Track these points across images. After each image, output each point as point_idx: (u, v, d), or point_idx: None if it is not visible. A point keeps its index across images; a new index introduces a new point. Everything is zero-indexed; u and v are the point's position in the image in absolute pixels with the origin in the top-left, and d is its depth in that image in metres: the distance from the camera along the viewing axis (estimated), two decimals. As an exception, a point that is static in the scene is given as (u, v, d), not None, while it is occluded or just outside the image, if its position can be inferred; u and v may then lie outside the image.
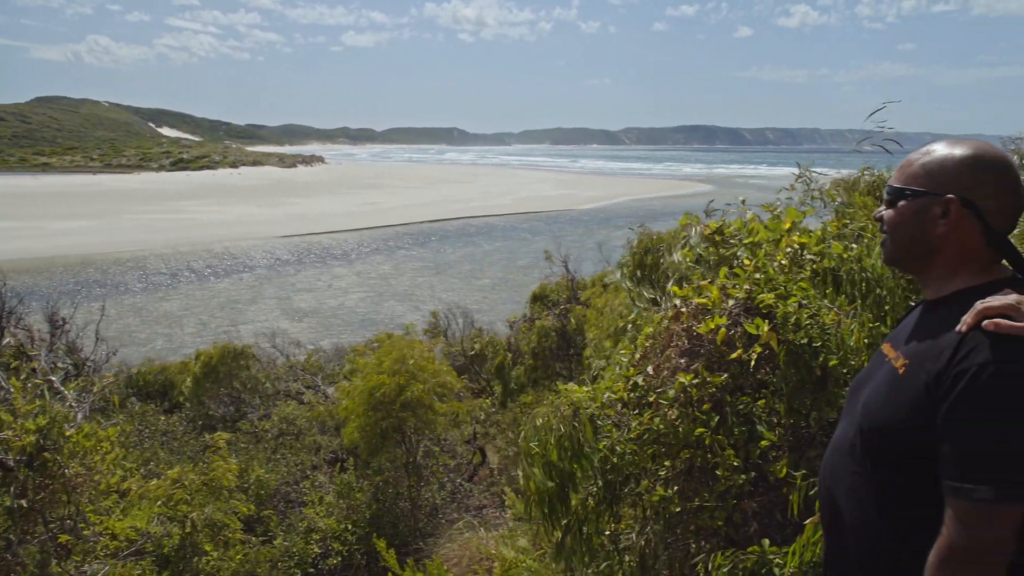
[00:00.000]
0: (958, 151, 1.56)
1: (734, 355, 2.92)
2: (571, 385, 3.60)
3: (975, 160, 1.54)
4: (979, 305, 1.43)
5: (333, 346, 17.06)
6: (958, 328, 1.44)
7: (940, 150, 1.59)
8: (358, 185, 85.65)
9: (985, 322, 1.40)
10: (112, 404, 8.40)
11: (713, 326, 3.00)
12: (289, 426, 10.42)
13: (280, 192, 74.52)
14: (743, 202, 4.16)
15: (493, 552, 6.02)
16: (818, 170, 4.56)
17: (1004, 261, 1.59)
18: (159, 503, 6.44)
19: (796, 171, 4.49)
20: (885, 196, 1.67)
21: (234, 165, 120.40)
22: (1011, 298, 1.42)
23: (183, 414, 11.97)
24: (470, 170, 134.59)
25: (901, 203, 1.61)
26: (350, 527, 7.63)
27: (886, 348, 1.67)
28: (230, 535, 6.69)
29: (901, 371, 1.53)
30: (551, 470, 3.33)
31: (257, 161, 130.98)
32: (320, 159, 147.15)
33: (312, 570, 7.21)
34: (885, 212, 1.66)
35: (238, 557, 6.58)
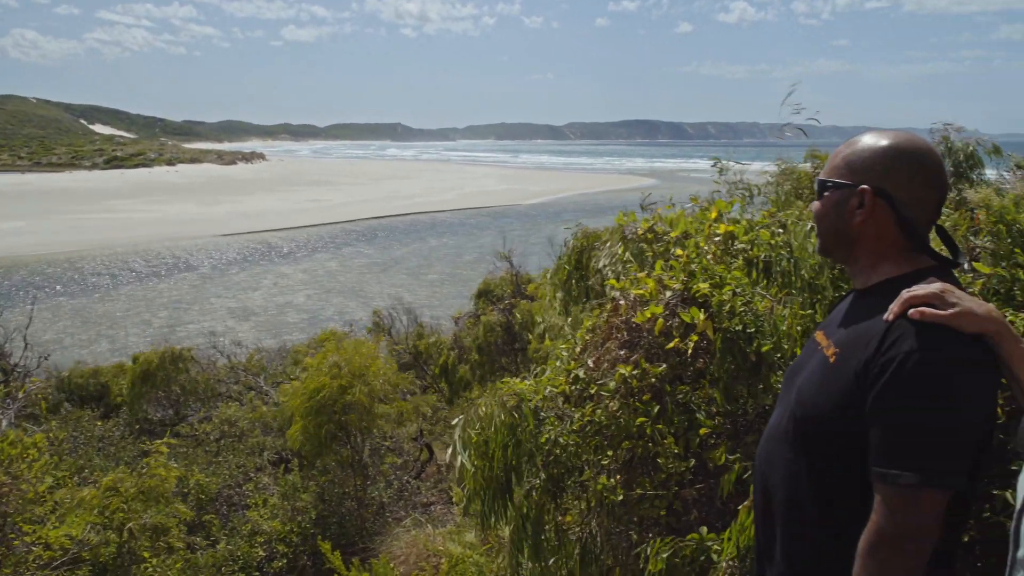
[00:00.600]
0: (877, 142, 1.59)
1: (671, 344, 2.94)
2: (514, 379, 3.61)
3: (892, 151, 1.57)
4: (905, 294, 1.46)
5: (277, 346, 16.78)
6: (885, 317, 1.47)
7: (862, 142, 1.62)
8: (301, 182, 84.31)
9: (910, 311, 1.43)
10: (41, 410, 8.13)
11: (649, 315, 3.02)
12: (231, 428, 10.21)
13: (220, 190, 72.91)
14: (671, 199, 4.23)
15: (440, 549, 6.01)
16: (752, 163, 4.66)
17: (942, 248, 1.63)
18: (95, 511, 6.27)
19: (733, 164, 4.58)
20: (815, 188, 1.71)
21: (171, 163, 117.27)
22: (935, 286, 1.46)
23: (120, 419, 11.64)
24: (415, 166, 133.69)
25: (825, 194, 1.65)
26: (295, 529, 7.51)
27: (819, 336, 1.69)
28: (172, 541, 6.55)
29: (832, 360, 1.56)
30: (492, 462, 3.33)
31: (195, 158, 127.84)
32: (261, 156, 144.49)
33: (257, 573, 7.08)
34: (815, 204, 1.70)
35: (179, 564, 6.43)
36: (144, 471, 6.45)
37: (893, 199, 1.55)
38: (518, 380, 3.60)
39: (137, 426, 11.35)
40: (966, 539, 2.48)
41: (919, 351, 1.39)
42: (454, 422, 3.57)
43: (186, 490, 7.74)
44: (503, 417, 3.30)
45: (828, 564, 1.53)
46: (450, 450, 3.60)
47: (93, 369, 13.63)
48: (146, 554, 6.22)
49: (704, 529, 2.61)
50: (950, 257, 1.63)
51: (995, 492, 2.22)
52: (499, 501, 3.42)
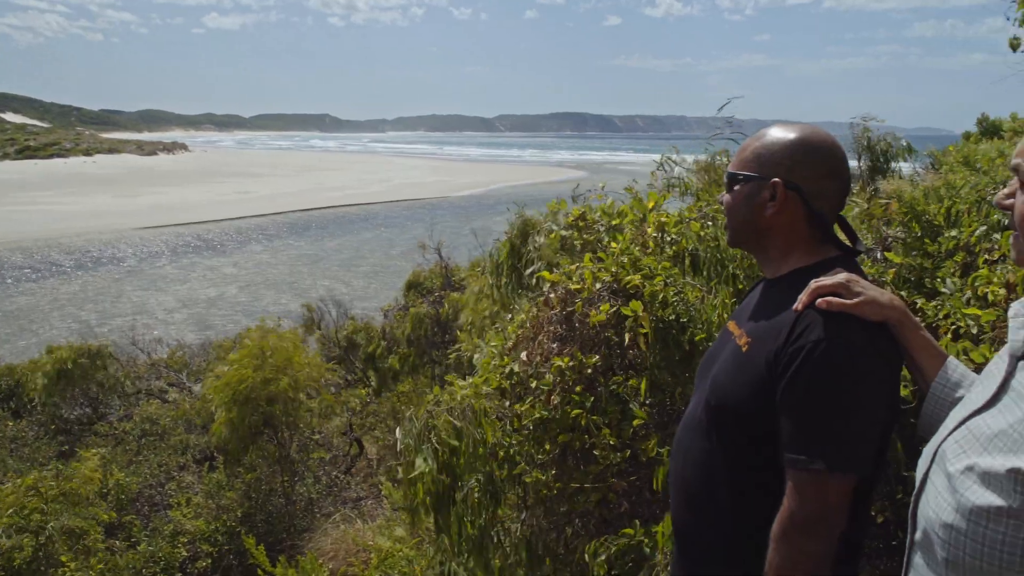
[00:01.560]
0: (785, 136, 1.62)
1: (609, 333, 2.96)
2: (457, 380, 3.57)
3: (800, 145, 1.60)
4: (813, 284, 1.50)
5: (201, 341, 16.33)
6: (794, 307, 1.50)
7: (770, 135, 1.65)
8: (227, 173, 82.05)
9: (818, 300, 1.47)
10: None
11: (580, 307, 3.04)
12: (152, 426, 9.90)
13: (141, 181, 70.37)
14: (603, 187, 4.26)
15: (370, 543, 5.95)
16: (683, 156, 4.74)
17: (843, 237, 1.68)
18: (10, 511, 6.02)
19: (659, 157, 4.65)
20: (725, 181, 1.73)
21: (88, 153, 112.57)
22: (841, 277, 1.50)
23: (34, 418, 11.17)
24: (344, 157, 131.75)
25: (736, 188, 1.67)
26: (220, 528, 7.33)
27: (731, 326, 1.72)
28: (90, 543, 6.33)
29: (745, 349, 1.58)
30: (439, 466, 3.29)
31: (113, 148, 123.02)
32: (183, 146, 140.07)
33: (180, 574, 6.89)
34: (725, 197, 1.72)
35: (99, 566, 6.22)
36: (68, 472, 6.23)
37: (803, 191, 1.59)
38: (459, 382, 3.57)
39: (53, 426, 10.91)
40: (880, 520, 2.58)
41: (826, 340, 1.42)
42: (397, 432, 3.50)
43: (105, 491, 7.48)
44: (450, 421, 3.26)
45: (743, 551, 1.55)
46: (399, 447, 3.54)
47: (7, 366, 13.02)
48: (64, 557, 6.00)
49: (637, 522, 2.64)
50: (851, 246, 1.68)
51: (905, 474, 2.31)
52: (445, 505, 3.38)
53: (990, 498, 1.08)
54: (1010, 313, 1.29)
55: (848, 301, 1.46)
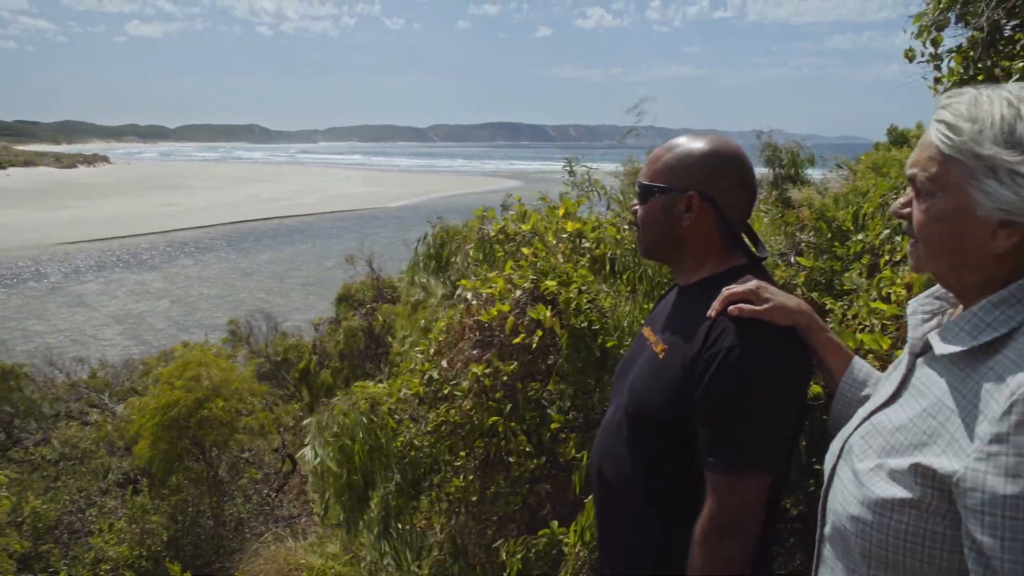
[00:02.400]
0: (697, 147, 1.65)
1: (517, 340, 2.97)
2: (368, 382, 3.55)
3: (712, 156, 1.63)
4: (725, 292, 1.54)
5: (125, 359, 15.78)
6: (708, 314, 1.54)
7: (681, 147, 1.67)
8: (152, 186, 79.76)
9: (730, 307, 1.51)
10: None
11: (496, 313, 3.04)
12: (72, 450, 9.51)
13: (60, 195, 67.85)
14: (519, 200, 4.29)
15: (301, 562, 5.83)
16: (606, 164, 4.81)
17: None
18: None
19: (594, 166, 4.71)
20: (637, 191, 1.74)
21: (0, 166, 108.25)
22: (752, 284, 1.54)
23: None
24: (275, 168, 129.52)
25: (651, 199, 1.69)
26: (144, 553, 7.09)
27: (647, 332, 1.74)
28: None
29: (661, 356, 1.61)
30: (351, 465, 3.26)
31: (29, 161, 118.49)
32: (104, 159, 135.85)
33: (102, 603, 6.64)
34: (638, 207, 1.74)
35: (12, 599, 5.95)
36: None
37: (717, 202, 1.62)
38: (372, 383, 3.54)
39: (-38, 452, 10.38)
40: (795, 513, 2.64)
41: (739, 346, 1.46)
42: (305, 422, 3.46)
43: (20, 519, 7.15)
44: (361, 420, 3.24)
45: (665, 554, 1.58)
46: (307, 451, 3.50)
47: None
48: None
49: (555, 523, 2.65)
50: (758, 253, 1.73)
51: (817, 467, 2.36)
52: (357, 505, 3.35)
53: (894, 490, 1.12)
54: (908, 311, 1.33)
55: (758, 307, 1.50)
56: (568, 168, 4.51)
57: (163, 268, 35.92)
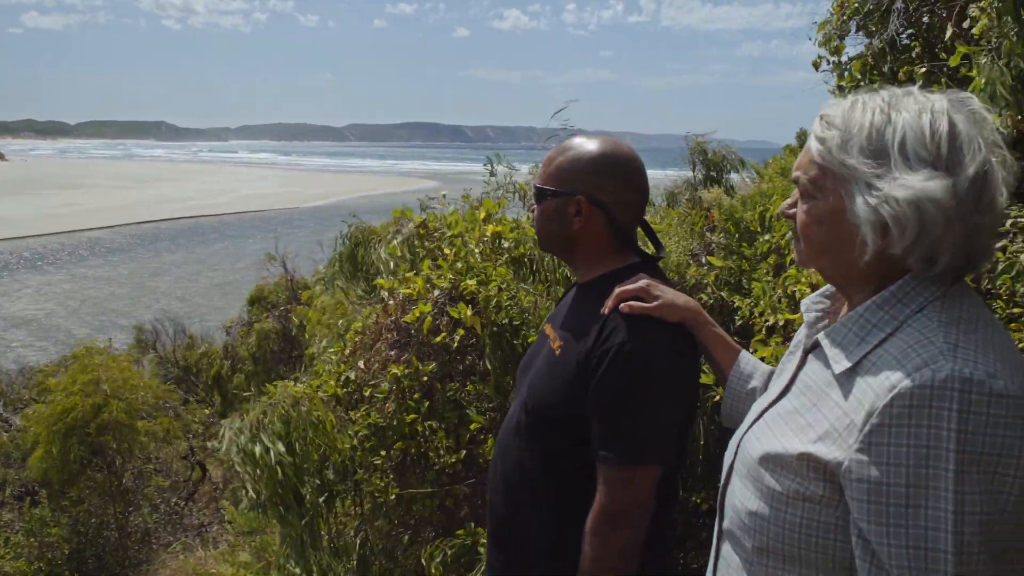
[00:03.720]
0: (587, 151, 1.69)
1: (438, 339, 2.96)
2: (287, 382, 3.47)
3: (602, 160, 1.68)
4: (617, 290, 1.59)
5: (19, 366, 14.96)
6: (602, 311, 1.58)
7: (572, 150, 1.71)
8: (52, 184, 75.79)
9: (621, 305, 1.56)
10: None
11: (418, 314, 3.02)
12: (-38, 462, 8.99)
13: (-52, 193, 64.05)
14: (444, 196, 4.28)
15: (212, 572, 5.67)
16: (524, 165, 4.83)
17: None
18: None
19: (512, 168, 4.72)
20: (532, 194, 1.79)
21: None
22: (642, 282, 1.59)
23: None
24: (186, 167, 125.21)
25: (544, 201, 1.73)
26: (43, 568, 6.77)
27: (547, 329, 1.78)
28: None
29: (558, 352, 1.65)
30: (273, 468, 3.18)
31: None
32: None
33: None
34: (533, 207, 1.78)
35: None
36: None
37: (605, 205, 1.66)
38: (291, 383, 3.46)
39: None
40: (705, 507, 2.72)
41: (629, 342, 1.51)
42: (223, 422, 3.35)
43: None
44: (304, 415, 3.16)
45: (559, 548, 1.61)
46: (224, 447, 3.39)
47: None
48: None
49: (472, 525, 2.64)
50: (653, 253, 1.80)
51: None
52: (280, 508, 3.26)
53: (786, 484, 1.15)
54: (802, 308, 1.38)
55: (648, 304, 1.56)
56: (489, 167, 4.51)
57: (67, 269, 34.30)
